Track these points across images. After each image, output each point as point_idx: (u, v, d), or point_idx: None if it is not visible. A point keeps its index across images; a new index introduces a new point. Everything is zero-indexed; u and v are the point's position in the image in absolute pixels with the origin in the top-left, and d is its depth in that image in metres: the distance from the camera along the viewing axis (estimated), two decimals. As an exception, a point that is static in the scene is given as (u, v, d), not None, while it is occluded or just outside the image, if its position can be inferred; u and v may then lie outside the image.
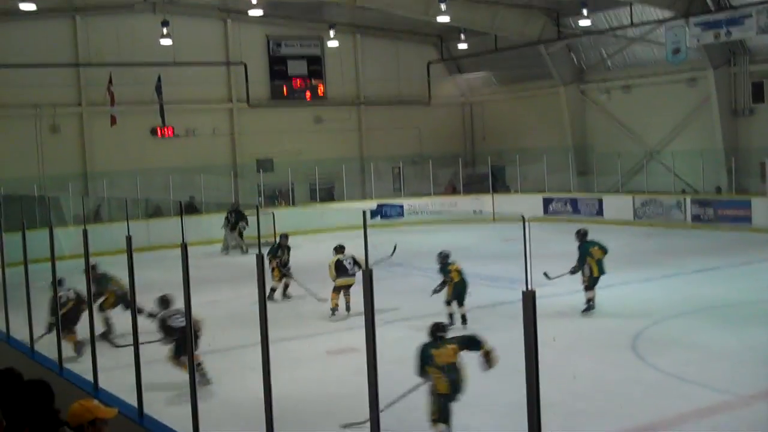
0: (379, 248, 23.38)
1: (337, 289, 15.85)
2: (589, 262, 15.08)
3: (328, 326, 14.84)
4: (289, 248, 18.25)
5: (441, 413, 8.46)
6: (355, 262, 15.75)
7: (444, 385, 8.38)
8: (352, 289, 15.69)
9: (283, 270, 17.82)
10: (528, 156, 33.02)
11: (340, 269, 15.77)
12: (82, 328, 11.74)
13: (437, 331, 8.81)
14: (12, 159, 28.66)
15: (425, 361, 8.51)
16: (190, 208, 28.48)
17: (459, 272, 14.64)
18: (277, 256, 17.94)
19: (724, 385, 10.42)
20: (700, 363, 11.42)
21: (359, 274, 15.10)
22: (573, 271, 15.32)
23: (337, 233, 21.41)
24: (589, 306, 15.12)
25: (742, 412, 9.64)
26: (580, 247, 15.44)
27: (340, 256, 15.98)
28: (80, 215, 20.26)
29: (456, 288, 14.55)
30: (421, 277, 19.77)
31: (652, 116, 30.87)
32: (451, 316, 14.37)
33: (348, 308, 15.85)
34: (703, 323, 13.83)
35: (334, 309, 15.76)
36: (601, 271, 15.14)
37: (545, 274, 15.09)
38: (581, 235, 15.68)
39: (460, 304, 14.59)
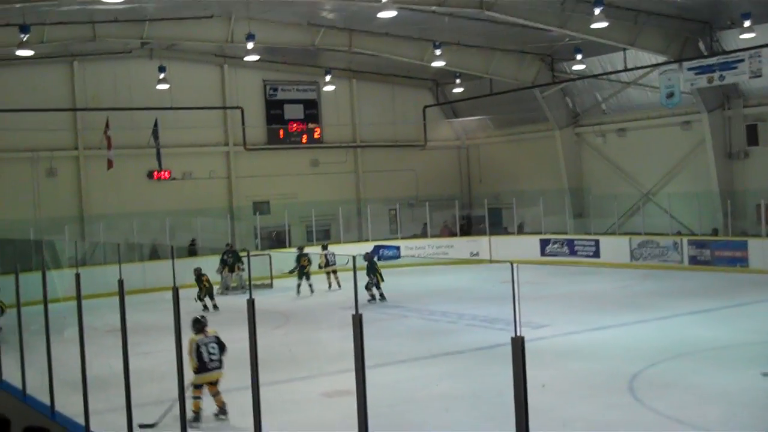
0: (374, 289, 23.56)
1: (327, 275, 25.04)
2: (375, 275, 22.30)
3: (324, 368, 14.67)
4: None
5: None
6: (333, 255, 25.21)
7: None
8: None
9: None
10: (524, 198, 33.10)
11: (327, 260, 25.32)
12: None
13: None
14: (8, 202, 28.70)
15: None
16: (191, 251, 28.60)
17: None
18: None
19: (721, 427, 10.35)
20: (697, 405, 11.35)
21: (339, 261, 24.94)
22: (367, 283, 22.17)
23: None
24: (371, 299, 21.99)
25: (740, 455, 9.57)
26: (370, 264, 22.54)
27: (325, 252, 25.54)
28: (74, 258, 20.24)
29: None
30: (417, 319, 19.74)
31: (648, 159, 31.00)
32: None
33: (339, 285, 24.85)
34: (700, 365, 13.77)
35: (329, 287, 24.86)
36: (381, 279, 22.39)
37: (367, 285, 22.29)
38: (369, 256, 23.36)
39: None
